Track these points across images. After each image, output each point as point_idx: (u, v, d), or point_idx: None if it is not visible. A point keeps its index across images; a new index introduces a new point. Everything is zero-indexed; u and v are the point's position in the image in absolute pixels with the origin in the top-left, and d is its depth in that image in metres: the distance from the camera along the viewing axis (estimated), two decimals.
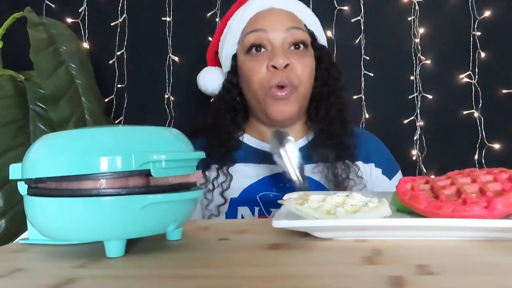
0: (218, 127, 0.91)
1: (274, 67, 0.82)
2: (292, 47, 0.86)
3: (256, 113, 0.91)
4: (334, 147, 0.86)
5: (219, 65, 0.96)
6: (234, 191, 0.86)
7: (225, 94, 0.92)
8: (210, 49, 0.98)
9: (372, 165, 0.91)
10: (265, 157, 0.89)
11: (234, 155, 0.89)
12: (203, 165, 0.87)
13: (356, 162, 0.88)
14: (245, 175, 0.87)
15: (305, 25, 0.89)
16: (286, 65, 0.82)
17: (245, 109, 0.93)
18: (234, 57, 0.91)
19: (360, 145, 0.90)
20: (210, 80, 0.94)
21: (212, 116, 0.93)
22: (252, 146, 0.92)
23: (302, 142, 0.92)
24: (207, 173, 0.88)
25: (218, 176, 0.87)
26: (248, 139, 0.93)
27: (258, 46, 0.85)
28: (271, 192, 0.85)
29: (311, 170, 0.86)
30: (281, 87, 0.83)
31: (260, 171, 0.87)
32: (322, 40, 0.93)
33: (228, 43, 0.91)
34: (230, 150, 0.89)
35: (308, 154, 0.88)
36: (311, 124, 0.91)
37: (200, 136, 0.92)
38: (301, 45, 0.86)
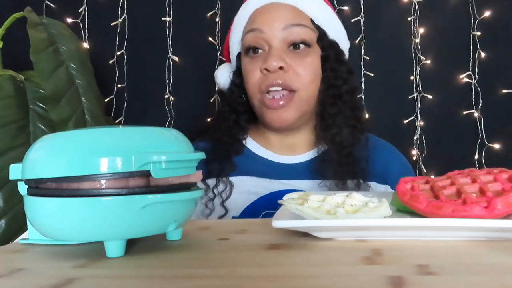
0: (221, 128, 0.85)
1: (267, 69, 0.76)
2: (292, 47, 0.78)
3: (258, 117, 0.85)
4: (343, 161, 0.78)
5: None
6: (236, 209, 0.80)
7: (229, 94, 0.87)
8: (226, 45, 0.91)
9: (388, 187, 0.81)
10: (268, 168, 0.83)
11: (236, 161, 0.83)
12: (203, 172, 0.83)
13: (369, 183, 0.79)
14: (247, 190, 0.81)
15: (311, 20, 0.80)
16: (281, 67, 0.76)
17: (250, 111, 0.86)
18: (239, 56, 0.85)
19: (376, 159, 0.81)
20: (225, 77, 0.89)
21: (216, 117, 0.90)
22: (256, 153, 0.86)
23: (311, 154, 0.84)
24: (208, 181, 0.83)
25: (218, 183, 0.82)
26: (251, 144, 0.87)
27: (255, 47, 0.79)
28: (274, 210, 0.81)
29: (317, 185, 0.79)
30: (276, 95, 0.77)
31: (263, 186, 0.81)
32: (334, 35, 0.83)
33: (234, 42, 0.85)
34: (231, 154, 0.84)
35: (316, 168, 0.81)
36: (320, 132, 0.82)
37: (201, 139, 0.87)
38: (301, 45, 0.78)
